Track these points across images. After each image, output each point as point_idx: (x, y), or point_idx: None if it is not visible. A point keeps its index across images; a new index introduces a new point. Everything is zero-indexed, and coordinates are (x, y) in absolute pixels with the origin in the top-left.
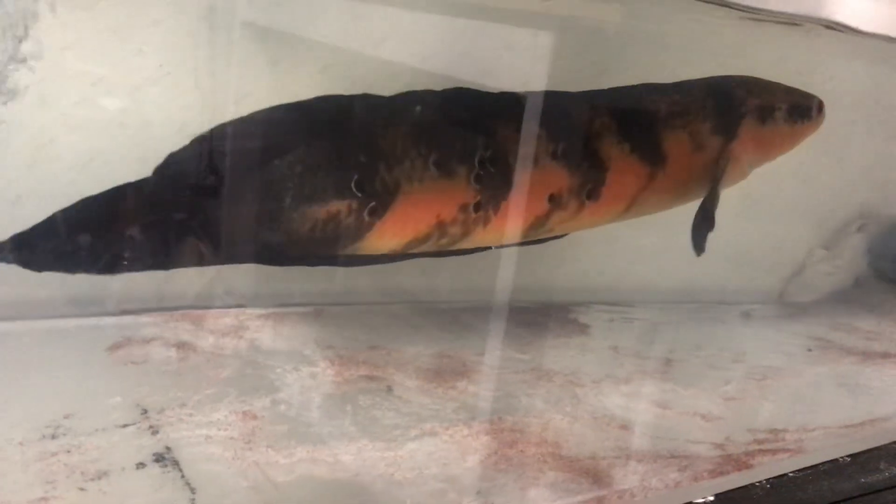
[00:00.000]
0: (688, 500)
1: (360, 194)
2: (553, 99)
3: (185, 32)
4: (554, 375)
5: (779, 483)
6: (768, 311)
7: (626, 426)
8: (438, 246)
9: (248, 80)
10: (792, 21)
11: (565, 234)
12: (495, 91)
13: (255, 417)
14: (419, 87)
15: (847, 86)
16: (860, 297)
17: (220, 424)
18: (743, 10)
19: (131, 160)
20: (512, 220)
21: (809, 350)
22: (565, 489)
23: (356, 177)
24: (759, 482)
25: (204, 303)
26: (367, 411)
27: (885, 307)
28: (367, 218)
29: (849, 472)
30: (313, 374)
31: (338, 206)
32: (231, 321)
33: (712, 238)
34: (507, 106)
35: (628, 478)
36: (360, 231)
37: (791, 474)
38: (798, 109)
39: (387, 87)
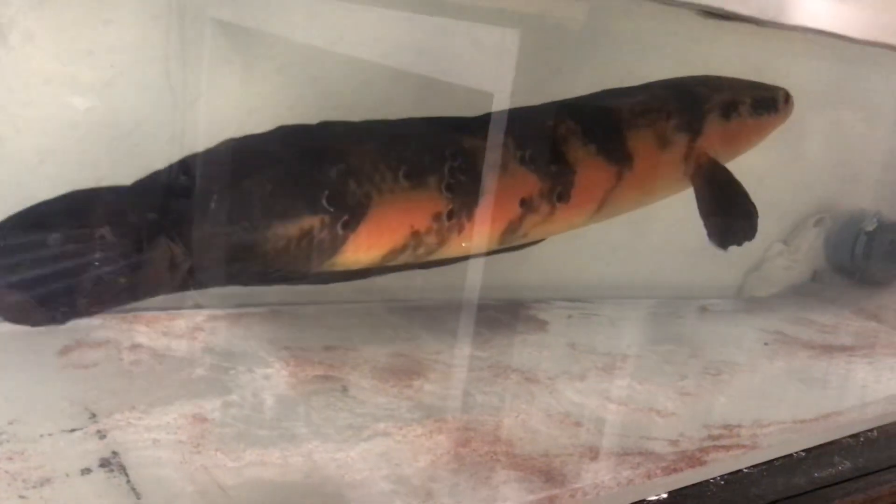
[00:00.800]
0: (641, 498)
1: (331, 209)
2: (520, 112)
3: (137, 32)
4: (511, 373)
5: (733, 479)
6: (727, 305)
7: (580, 423)
8: (416, 256)
9: (202, 81)
10: (752, 22)
11: (542, 240)
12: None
13: (205, 420)
14: (377, 83)
15: (804, 83)
16: (818, 291)
17: (168, 428)
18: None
19: (83, 161)
20: (485, 226)
21: (766, 344)
22: (517, 488)
23: (327, 192)
24: (713, 479)
25: (160, 304)
26: (320, 412)
27: (842, 301)
28: (340, 231)
29: (803, 468)
30: (267, 376)
31: (311, 221)
32: (186, 323)
33: (671, 235)
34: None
35: (581, 476)
36: (335, 245)
37: (745, 470)
38: (763, 102)
39: (344, 84)
